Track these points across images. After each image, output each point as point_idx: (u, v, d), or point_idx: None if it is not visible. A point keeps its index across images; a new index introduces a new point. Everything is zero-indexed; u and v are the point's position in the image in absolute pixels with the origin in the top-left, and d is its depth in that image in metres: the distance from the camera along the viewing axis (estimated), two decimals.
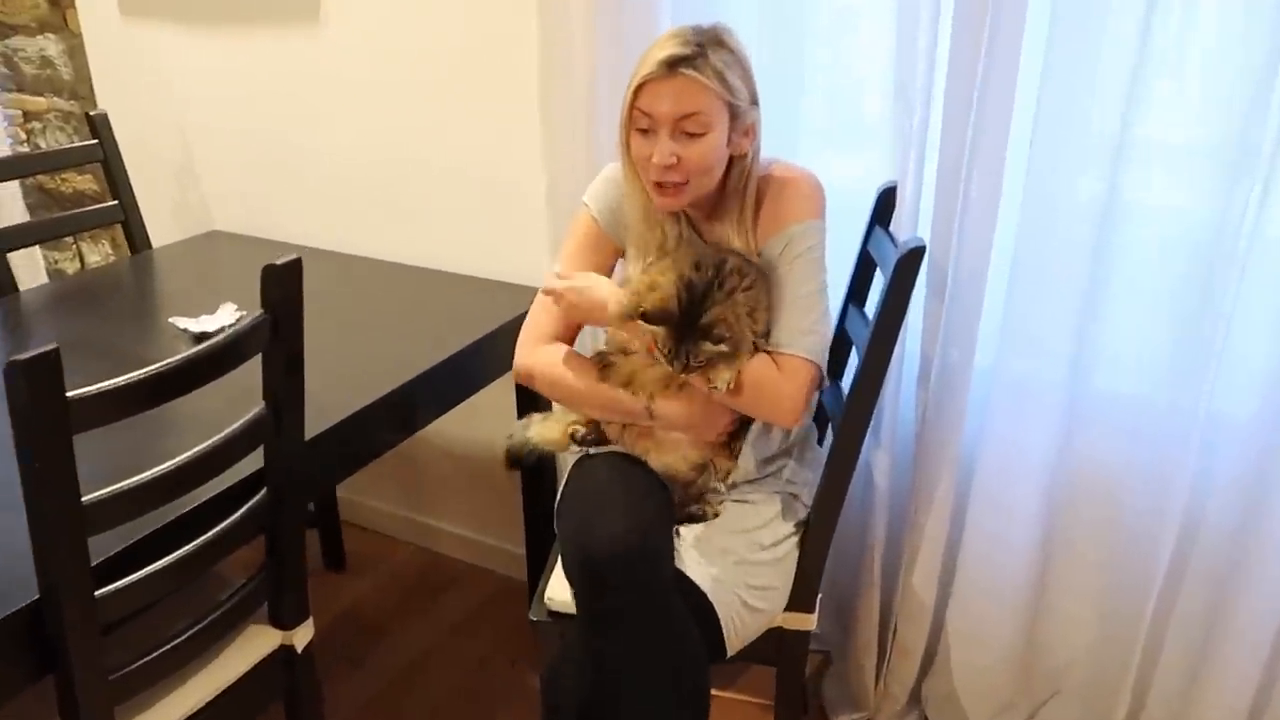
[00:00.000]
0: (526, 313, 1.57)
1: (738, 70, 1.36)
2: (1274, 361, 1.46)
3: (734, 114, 1.36)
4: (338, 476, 1.86)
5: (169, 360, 1.12)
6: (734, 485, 1.52)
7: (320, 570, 2.39)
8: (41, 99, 2.61)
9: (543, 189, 1.91)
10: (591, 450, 1.54)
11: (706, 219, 1.48)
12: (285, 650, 1.46)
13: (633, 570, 1.30)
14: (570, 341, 1.54)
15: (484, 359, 1.77)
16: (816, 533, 1.50)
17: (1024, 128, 1.49)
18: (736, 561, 1.44)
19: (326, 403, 1.47)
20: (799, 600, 1.51)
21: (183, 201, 2.45)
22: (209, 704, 1.36)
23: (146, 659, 1.23)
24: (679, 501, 1.49)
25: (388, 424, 1.61)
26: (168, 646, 1.26)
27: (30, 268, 2.77)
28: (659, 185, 1.39)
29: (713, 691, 1.42)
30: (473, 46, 1.96)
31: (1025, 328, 1.59)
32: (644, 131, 1.37)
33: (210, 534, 1.25)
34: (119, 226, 2.18)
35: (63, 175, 2.66)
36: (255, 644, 1.43)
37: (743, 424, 1.49)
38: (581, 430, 1.53)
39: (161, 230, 2.32)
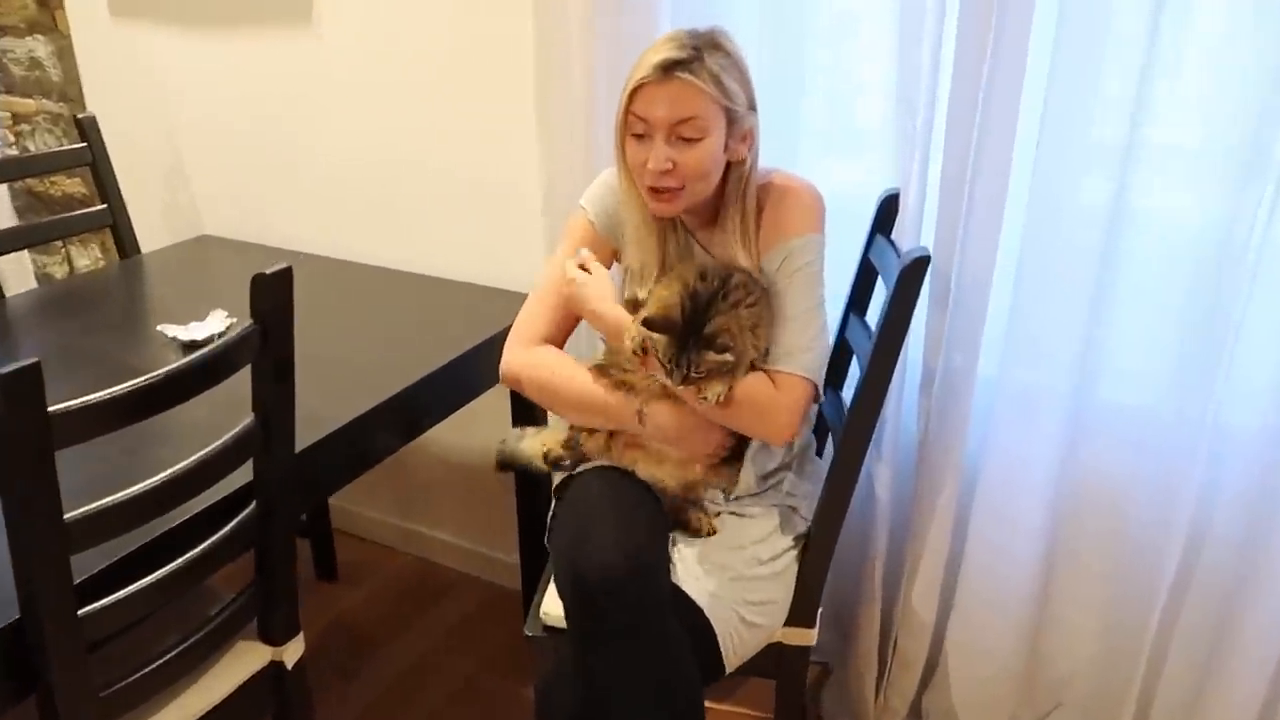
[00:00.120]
0: None
1: (735, 74, 1.33)
2: None
3: (731, 119, 1.33)
4: (329, 489, 1.83)
5: (154, 374, 1.09)
6: (736, 499, 1.50)
7: (312, 580, 2.36)
8: (30, 101, 2.57)
9: (539, 193, 1.89)
10: (578, 468, 1.51)
11: (705, 227, 1.46)
12: (275, 667, 1.43)
13: (624, 592, 1.27)
14: (560, 345, 1.51)
15: (478, 367, 1.74)
16: (817, 547, 1.47)
17: (1030, 130, 1.46)
18: (734, 577, 1.41)
19: (318, 413, 1.44)
20: (799, 615, 1.48)
21: (173, 205, 2.42)
22: None
23: (132, 678, 1.20)
24: (673, 507, 1.47)
25: (380, 435, 1.58)
26: (153, 665, 1.23)
27: (19, 272, 2.74)
28: (654, 190, 1.36)
29: (711, 704, 1.40)
30: (467, 47, 1.93)
31: (1030, 335, 1.57)
32: (639, 136, 1.35)
33: (197, 550, 1.22)
34: (108, 230, 2.15)
35: (51, 178, 2.63)
36: (244, 661, 1.40)
37: (739, 448, 1.46)
38: (556, 451, 1.51)
39: (151, 234, 2.29)
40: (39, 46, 2.49)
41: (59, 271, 2.76)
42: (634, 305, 1.42)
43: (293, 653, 1.44)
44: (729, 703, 1.97)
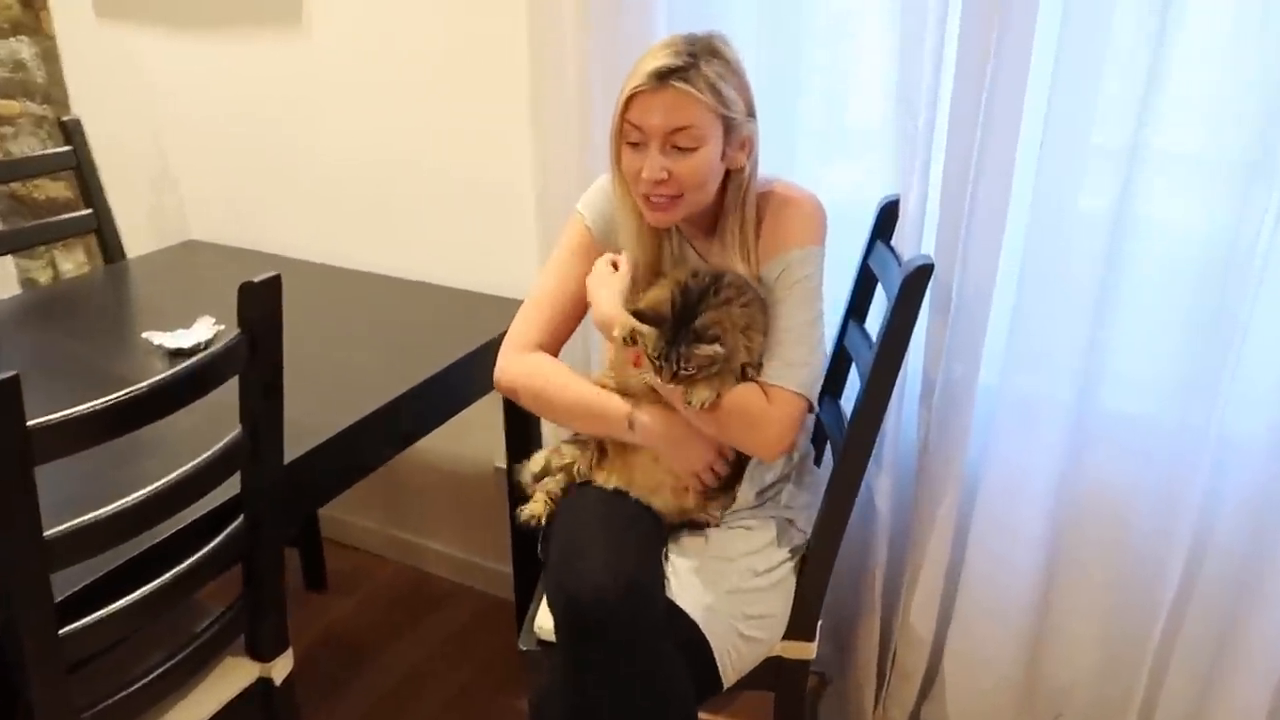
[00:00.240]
0: None
1: (733, 81, 1.30)
2: None
3: (728, 127, 1.31)
4: (319, 501, 1.80)
5: (137, 387, 1.06)
6: (735, 512, 1.47)
7: (301, 590, 2.32)
8: (14, 103, 2.53)
9: (533, 198, 1.86)
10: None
11: (704, 236, 1.43)
12: (263, 683, 1.40)
13: (615, 615, 1.25)
14: (555, 353, 1.49)
15: (472, 374, 1.71)
16: (817, 560, 1.45)
17: (1034, 133, 1.44)
18: (730, 590, 1.39)
19: (307, 423, 1.41)
20: (798, 628, 1.46)
21: (159, 209, 2.39)
22: None
23: (115, 698, 1.17)
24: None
25: (372, 444, 1.56)
26: (137, 685, 1.20)
27: (2, 277, 2.71)
28: (649, 200, 1.34)
29: (707, 716, 1.37)
30: (460, 48, 1.90)
31: (1031, 343, 1.55)
32: (634, 144, 1.32)
33: (183, 566, 1.19)
34: (93, 235, 2.11)
35: (35, 182, 2.59)
36: (231, 677, 1.37)
37: (733, 476, 1.44)
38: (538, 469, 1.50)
39: (137, 239, 2.25)
40: (23, 48, 2.45)
41: (43, 276, 2.72)
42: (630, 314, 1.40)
43: (281, 669, 1.41)
44: (726, 713, 1.94)
